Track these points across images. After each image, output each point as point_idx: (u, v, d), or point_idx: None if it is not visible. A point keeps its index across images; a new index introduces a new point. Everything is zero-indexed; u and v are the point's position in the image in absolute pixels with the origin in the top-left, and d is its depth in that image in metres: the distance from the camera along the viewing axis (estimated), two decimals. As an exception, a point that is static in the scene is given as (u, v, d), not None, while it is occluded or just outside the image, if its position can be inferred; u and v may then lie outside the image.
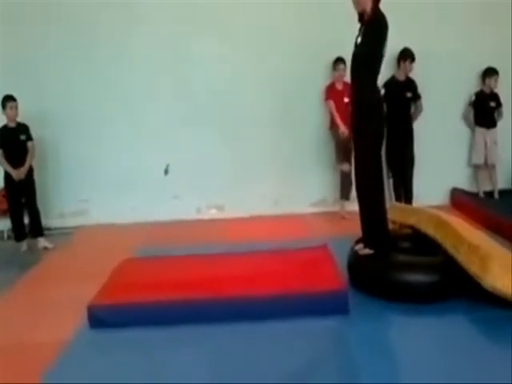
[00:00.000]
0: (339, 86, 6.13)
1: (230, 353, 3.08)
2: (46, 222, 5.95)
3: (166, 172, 6.45)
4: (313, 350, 3.08)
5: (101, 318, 3.45)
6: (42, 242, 5.73)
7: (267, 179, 6.39)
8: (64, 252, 5.46)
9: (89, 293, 3.69)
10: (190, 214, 6.33)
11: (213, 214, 6.47)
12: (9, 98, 5.60)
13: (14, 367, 3.05)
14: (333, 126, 6.14)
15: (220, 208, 6.48)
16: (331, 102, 6.09)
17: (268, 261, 4.27)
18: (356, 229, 4.10)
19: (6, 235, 6.18)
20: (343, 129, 5.91)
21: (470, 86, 6.42)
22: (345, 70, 5.95)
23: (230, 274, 3.96)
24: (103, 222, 6.23)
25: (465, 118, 6.52)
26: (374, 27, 3.81)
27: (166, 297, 3.58)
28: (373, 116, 3.88)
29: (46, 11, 6.10)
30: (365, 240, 3.94)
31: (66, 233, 6.11)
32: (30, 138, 5.72)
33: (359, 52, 3.90)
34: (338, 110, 6.03)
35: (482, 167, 6.48)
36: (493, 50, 6.24)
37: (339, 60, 6.04)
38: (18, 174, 5.58)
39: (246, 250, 4.57)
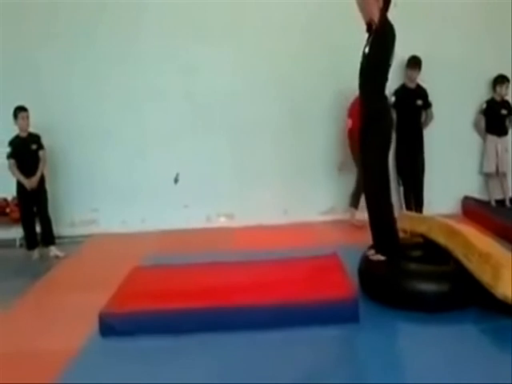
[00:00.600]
0: None
1: (240, 361, 3.07)
2: (56, 230, 5.99)
3: (176, 181, 6.48)
4: (322, 358, 3.06)
5: (112, 326, 3.46)
6: (53, 250, 5.77)
7: (276, 188, 6.39)
8: (75, 260, 5.49)
9: (99, 301, 3.70)
10: (199, 223, 6.35)
11: (222, 222, 6.48)
12: (21, 109, 5.68)
13: (25, 374, 3.06)
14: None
15: (229, 217, 6.49)
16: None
17: (277, 269, 4.26)
18: (365, 237, 4.09)
19: (18, 243, 6.23)
20: None
21: (480, 94, 6.40)
22: None
23: (239, 283, 3.95)
24: (113, 231, 6.26)
25: (476, 125, 6.50)
26: (380, 37, 3.82)
27: (176, 305, 3.58)
28: (381, 124, 3.88)
29: (52, 18, 6.17)
30: (376, 246, 3.93)
31: (76, 241, 6.14)
32: (41, 147, 5.79)
33: (367, 62, 3.91)
34: None
35: (493, 175, 6.43)
36: (503, 57, 6.22)
37: None
38: (30, 183, 5.64)
39: (256, 258, 4.57)
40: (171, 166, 6.42)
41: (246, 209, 6.38)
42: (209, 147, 6.36)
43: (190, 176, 6.43)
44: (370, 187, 3.92)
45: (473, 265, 3.52)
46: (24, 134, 5.73)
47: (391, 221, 3.91)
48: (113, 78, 6.28)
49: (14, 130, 5.73)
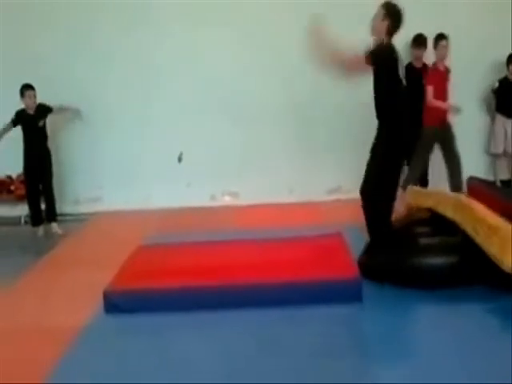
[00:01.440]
0: (441, 67, 5.89)
1: (242, 339, 3.09)
2: (61, 208, 6.01)
3: (180, 159, 6.46)
4: (325, 337, 3.07)
5: (115, 304, 3.48)
6: (54, 227, 5.79)
7: (282, 166, 6.36)
8: (79, 238, 5.51)
9: (103, 278, 3.72)
10: (203, 202, 6.34)
11: (227, 201, 6.47)
12: (27, 87, 5.65)
13: (30, 350, 3.10)
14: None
15: (234, 195, 6.48)
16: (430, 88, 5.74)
17: (281, 248, 4.26)
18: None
19: (23, 220, 6.25)
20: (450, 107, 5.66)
21: (490, 73, 6.30)
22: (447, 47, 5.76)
23: (243, 261, 3.96)
24: (117, 209, 6.26)
25: (485, 104, 6.39)
26: (378, 63, 3.79)
27: (179, 283, 3.59)
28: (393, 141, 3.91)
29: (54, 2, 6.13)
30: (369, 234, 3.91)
31: (80, 219, 6.16)
32: (49, 110, 5.77)
33: (375, 91, 3.90)
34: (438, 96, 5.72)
35: (500, 156, 6.37)
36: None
37: (440, 36, 5.80)
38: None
39: (260, 237, 4.57)
40: (175, 144, 6.40)
41: (250, 187, 6.36)
42: (213, 125, 6.31)
43: (193, 155, 6.40)
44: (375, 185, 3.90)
45: (481, 237, 3.49)
46: (31, 112, 5.72)
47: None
48: (116, 58, 6.23)
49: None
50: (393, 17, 3.85)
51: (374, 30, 3.90)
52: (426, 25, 5.88)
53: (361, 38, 3.92)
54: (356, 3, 5.74)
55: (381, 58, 3.80)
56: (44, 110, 5.79)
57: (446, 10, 6.12)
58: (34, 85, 5.71)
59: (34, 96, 5.67)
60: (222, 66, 6.22)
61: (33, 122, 5.70)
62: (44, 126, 5.78)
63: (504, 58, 6.22)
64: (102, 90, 6.25)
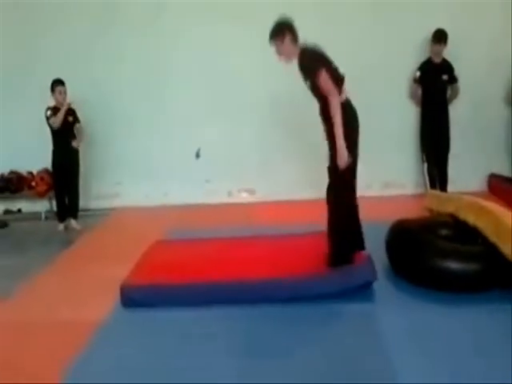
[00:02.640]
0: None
1: (259, 335, 3.10)
2: (83, 202, 6.10)
3: (198, 156, 6.50)
4: (338, 334, 3.08)
5: (133, 298, 3.52)
6: (73, 223, 5.89)
7: (299, 163, 6.35)
8: (99, 233, 5.58)
9: (121, 273, 3.77)
10: (221, 198, 6.37)
11: (244, 197, 6.49)
12: (58, 83, 5.70)
13: (50, 344, 3.14)
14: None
15: (251, 192, 6.49)
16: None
17: (296, 244, 4.27)
18: (388, 213, 4.04)
19: (43, 216, 6.35)
20: None
21: (509, 68, 6.22)
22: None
23: (258, 257, 3.98)
24: (136, 205, 6.33)
25: (506, 99, 6.29)
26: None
27: (195, 278, 3.62)
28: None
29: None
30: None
31: (101, 214, 6.25)
32: (77, 120, 5.87)
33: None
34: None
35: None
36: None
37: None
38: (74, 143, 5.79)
39: (276, 233, 4.57)
40: (193, 141, 6.43)
41: (268, 184, 6.37)
42: (231, 122, 6.34)
43: (211, 151, 6.43)
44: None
45: (503, 242, 3.44)
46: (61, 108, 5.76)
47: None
48: (135, 57, 6.30)
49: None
50: (292, 30, 3.69)
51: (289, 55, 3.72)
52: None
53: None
54: None
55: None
56: (73, 114, 5.85)
57: (463, 5, 6.05)
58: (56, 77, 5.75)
59: (65, 92, 5.72)
60: (239, 64, 6.23)
61: (63, 118, 5.72)
62: (73, 122, 5.83)
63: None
64: (119, 88, 6.33)
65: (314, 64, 3.63)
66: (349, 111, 3.70)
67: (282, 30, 3.69)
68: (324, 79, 3.58)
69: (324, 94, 3.64)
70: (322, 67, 3.59)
